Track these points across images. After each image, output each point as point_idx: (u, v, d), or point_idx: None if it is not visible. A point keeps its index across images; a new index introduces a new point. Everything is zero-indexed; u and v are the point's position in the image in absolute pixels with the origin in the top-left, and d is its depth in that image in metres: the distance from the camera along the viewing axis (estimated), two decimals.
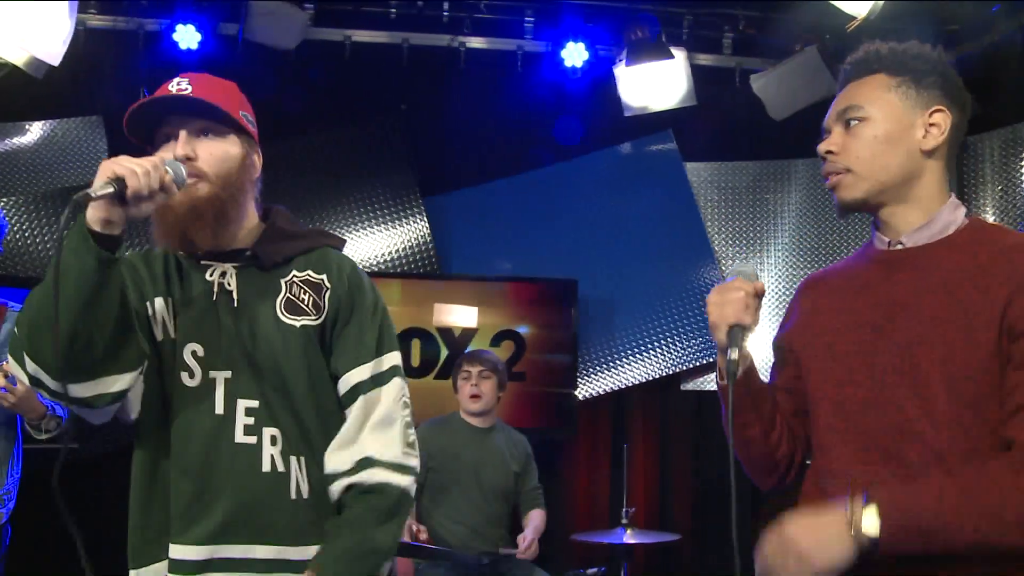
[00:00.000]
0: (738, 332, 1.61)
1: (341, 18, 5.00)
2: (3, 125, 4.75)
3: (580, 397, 5.02)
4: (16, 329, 1.69)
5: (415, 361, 4.85)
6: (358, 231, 5.11)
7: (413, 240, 5.12)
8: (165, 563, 1.76)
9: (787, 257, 5.21)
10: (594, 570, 3.53)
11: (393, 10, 4.94)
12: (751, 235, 5.28)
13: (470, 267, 5.15)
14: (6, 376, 2.83)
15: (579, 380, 5.03)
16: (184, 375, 1.80)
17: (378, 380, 1.86)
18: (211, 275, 1.85)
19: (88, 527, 1.64)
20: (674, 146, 5.32)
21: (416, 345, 4.86)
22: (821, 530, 1.46)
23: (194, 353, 1.80)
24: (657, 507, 5.12)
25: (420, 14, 5.02)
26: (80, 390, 1.67)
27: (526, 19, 5.13)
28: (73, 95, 4.88)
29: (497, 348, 4.90)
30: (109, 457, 4.43)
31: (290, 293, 1.87)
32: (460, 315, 4.93)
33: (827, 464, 1.63)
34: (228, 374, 1.80)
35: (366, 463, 1.80)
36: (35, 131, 4.88)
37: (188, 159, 1.79)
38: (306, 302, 1.87)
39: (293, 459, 1.81)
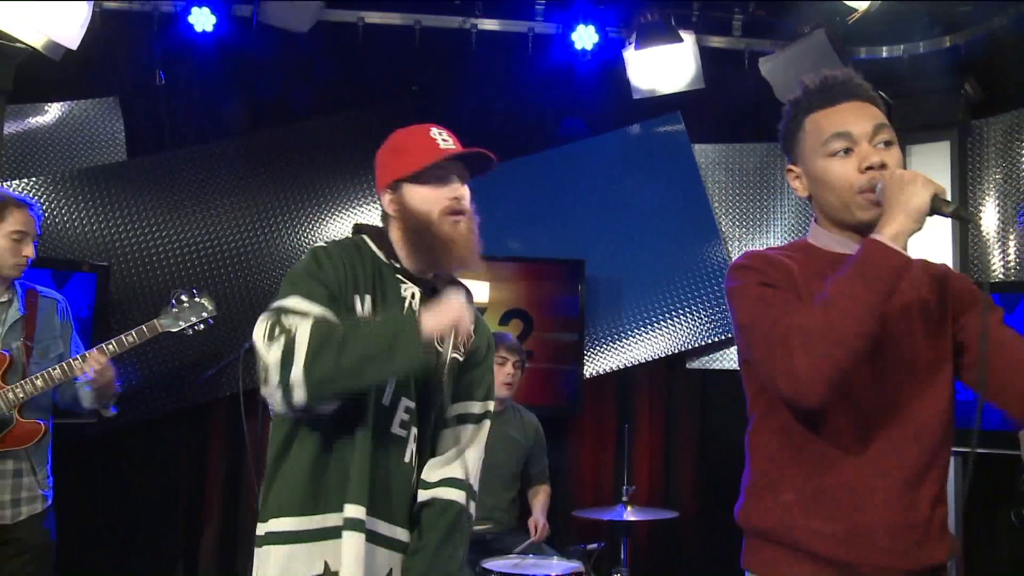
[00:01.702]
0: (937, 201, 1.65)
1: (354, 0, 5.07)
2: (22, 107, 4.83)
3: (587, 375, 5.11)
4: (305, 374, 1.90)
5: None
6: (370, 211, 5.19)
7: None
8: (339, 515, 2.03)
9: (792, 237, 5.26)
10: (594, 546, 3.62)
11: None
12: (757, 216, 5.34)
13: (482, 247, 5.21)
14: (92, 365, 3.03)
15: (586, 358, 5.11)
16: None
17: (485, 416, 2.29)
18: (405, 291, 2.18)
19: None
20: (682, 128, 5.37)
21: None
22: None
23: None
24: (661, 484, 5.21)
25: None
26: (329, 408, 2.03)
27: (537, 1, 5.17)
28: (90, 77, 4.96)
29: (506, 326, 4.99)
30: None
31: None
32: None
33: (832, 437, 1.77)
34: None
35: (458, 484, 2.19)
36: (53, 112, 4.96)
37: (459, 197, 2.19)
38: (459, 343, 2.22)
39: (419, 457, 2.18)
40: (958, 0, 4.81)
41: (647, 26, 4.86)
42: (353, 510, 2.02)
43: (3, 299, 3.17)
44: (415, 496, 2.18)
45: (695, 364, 5.26)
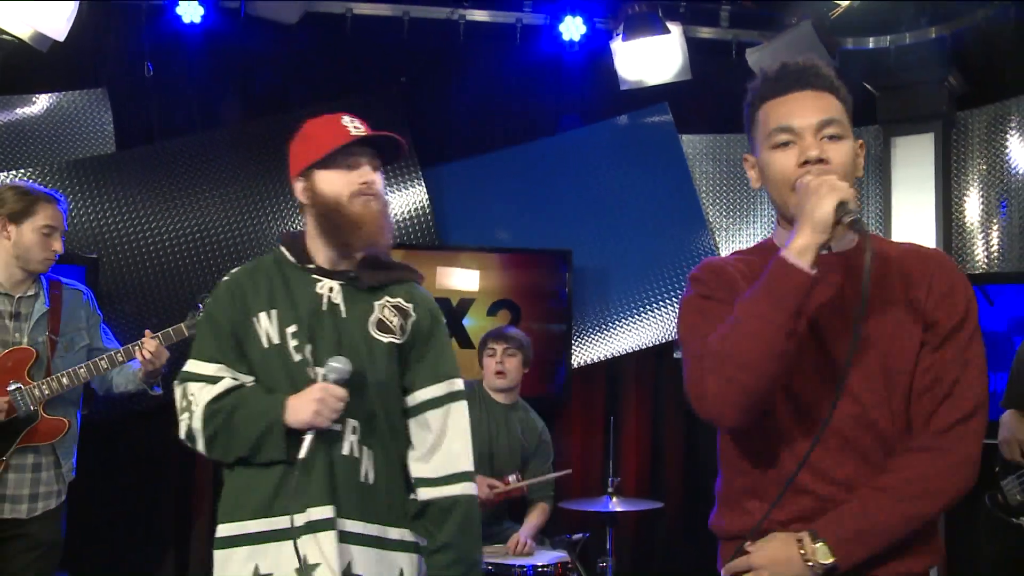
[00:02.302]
0: (843, 209, 1.58)
1: None
2: (10, 98, 4.83)
3: (574, 365, 5.14)
4: (208, 454, 2.18)
5: None
6: None
7: (412, 210, 5.21)
8: (267, 520, 2.11)
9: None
10: (579, 536, 3.65)
11: None
12: (744, 206, 5.37)
13: (468, 237, 5.25)
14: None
15: (573, 348, 5.14)
16: (308, 370, 2.15)
17: (453, 396, 2.27)
18: (320, 289, 2.21)
19: None
20: (670, 118, 5.39)
21: None
22: (787, 563, 1.67)
23: (310, 352, 2.16)
24: (648, 474, 5.24)
25: None
26: None
27: None
28: (78, 68, 4.95)
29: (494, 317, 5.02)
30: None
31: (381, 314, 2.23)
32: (458, 284, 5.04)
33: (788, 447, 1.73)
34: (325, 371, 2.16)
35: (459, 477, 2.22)
36: (41, 103, 4.95)
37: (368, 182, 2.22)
38: (394, 324, 2.22)
39: (366, 449, 2.17)
40: None
41: (634, 17, 4.89)
42: (318, 512, 2.09)
43: (30, 293, 3.16)
44: (372, 488, 2.17)
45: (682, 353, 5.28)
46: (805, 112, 1.71)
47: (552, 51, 5.21)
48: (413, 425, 2.25)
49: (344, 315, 2.19)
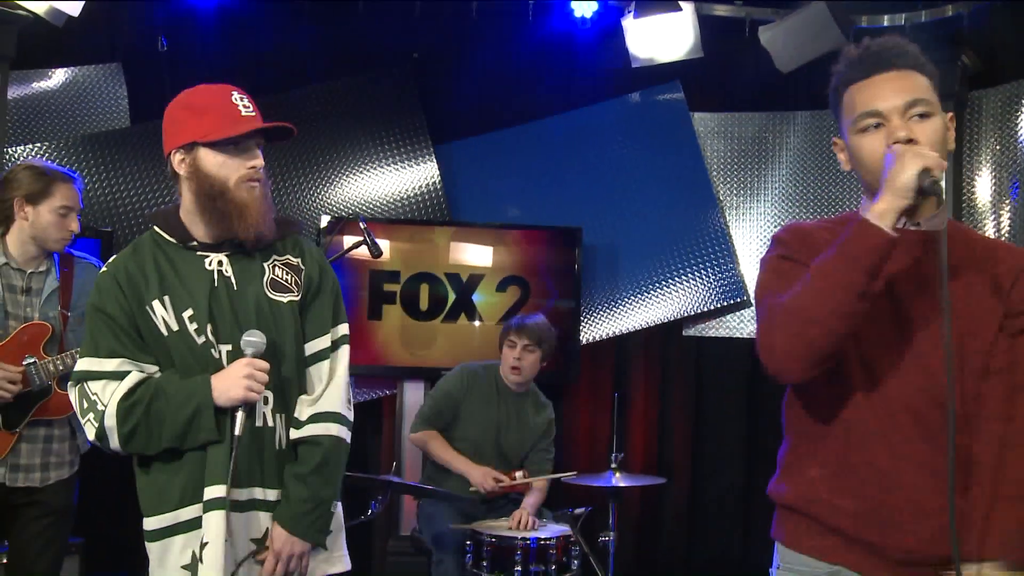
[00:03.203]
0: (926, 176, 1.60)
1: None
2: (26, 72, 4.87)
3: (583, 341, 5.17)
4: (123, 448, 2.14)
5: (423, 304, 5.01)
6: (370, 177, 5.24)
7: (423, 186, 5.25)
8: (199, 506, 2.11)
9: (789, 207, 5.29)
10: (581, 510, 3.68)
11: None
12: (754, 184, 5.36)
13: (480, 214, 5.28)
14: None
15: (582, 325, 5.17)
16: (212, 351, 2.15)
17: (335, 345, 2.28)
18: (210, 265, 2.20)
19: None
20: (681, 96, 5.38)
21: (424, 289, 5.02)
22: None
23: (211, 331, 2.15)
24: (655, 450, 5.28)
25: None
26: None
27: None
28: (93, 43, 5.00)
29: (503, 293, 5.05)
30: None
31: (273, 274, 2.23)
32: (467, 260, 5.08)
33: (854, 416, 1.75)
34: (229, 347, 2.16)
35: (324, 416, 2.22)
36: (57, 78, 5.00)
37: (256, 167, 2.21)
38: (289, 281, 2.24)
39: (278, 416, 2.20)
40: None
41: None
42: (213, 491, 2.09)
43: (41, 268, 3.18)
44: (283, 453, 2.21)
45: (691, 331, 5.31)
46: (890, 94, 1.72)
47: (564, 28, 5.21)
48: (309, 373, 2.27)
49: (237, 287, 2.19)
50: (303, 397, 2.24)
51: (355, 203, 5.20)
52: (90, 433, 2.13)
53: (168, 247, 2.21)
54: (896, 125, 1.70)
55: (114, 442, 2.11)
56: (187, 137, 2.16)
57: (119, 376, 2.12)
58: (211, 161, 2.14)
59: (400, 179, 5.25)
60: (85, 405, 2.13)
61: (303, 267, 2.27)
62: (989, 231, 4.79)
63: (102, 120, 4.99)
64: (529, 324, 4.06)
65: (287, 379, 2.21)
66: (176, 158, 2.18)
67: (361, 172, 5.23)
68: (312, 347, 2.25)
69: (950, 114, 1.78)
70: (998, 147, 4.80)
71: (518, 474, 3.97)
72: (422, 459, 4.30)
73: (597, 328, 5.24)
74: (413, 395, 4.97)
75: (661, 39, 5.00)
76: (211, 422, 2.07)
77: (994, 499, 1.70)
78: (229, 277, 2.19)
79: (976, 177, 4.89)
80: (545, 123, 5.42)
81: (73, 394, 2.17)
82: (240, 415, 2.09)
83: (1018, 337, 1.75)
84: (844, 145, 1.82)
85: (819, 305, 1.63)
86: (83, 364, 2.16)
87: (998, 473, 1.71)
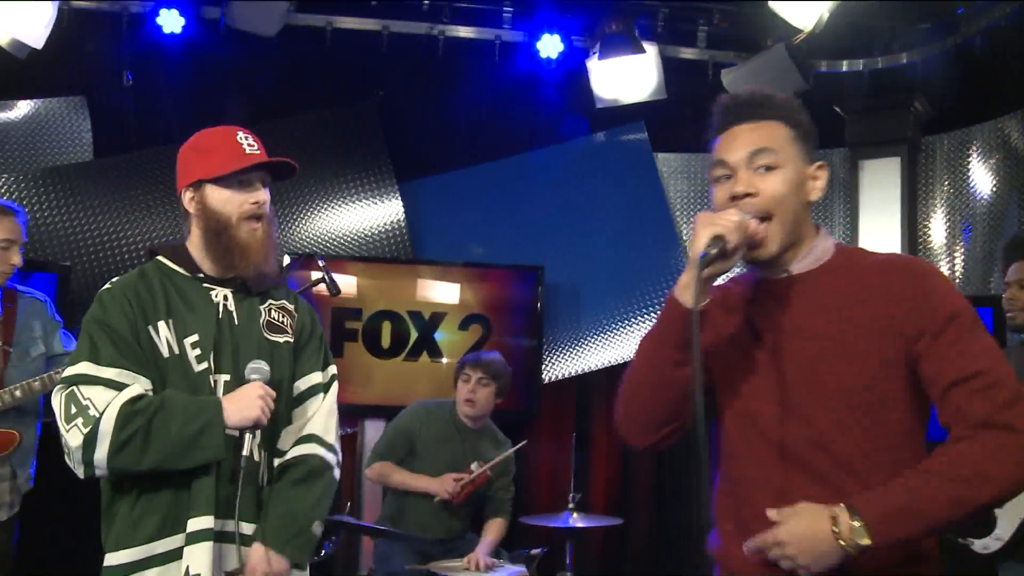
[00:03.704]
0: (718, 243, 1.61)
1: (324, 4, 5.12)
2: None
3: (545, 380, 5.17)
4: (109, 460, 2.04)
5: (385, 342, 5.00)
6: (334, 214, 5.24)
7: (387, 224, 5.25)
8: (179, 537, 2.09)
9: None
10: (537, 551, 3.66)
11: None
12: None
13: (445, 252, 5.28)
14: None
15: (544, 363, 5.17)
16: (210, 379, 2.18)
17: (328, 384, 2.38)
18: (216, 297, 2.26)
19: None
20: (645, 136, 5.44)
21: (387, 327, 5.00)
22: (814, 541, 1.58)
23: (211, 359, 2.19)
24: (619, 490, 5.26)
25: (401, 2, 5.14)
26: None
27: (504, 9, 5.25)
28: (57, 75, 4.98)
29: (465, 331, 5.05)
30: None
31: (269, 316, 2.32)
32: (430, 298, 5.08)
33: (744, 471, 1.77)
34: (227, 377, 2.20)
35: (308, 438, 2.28)
36: (20, 109, 4.98)
37: (259, 202, 2.25)
38: (284, 323, 2.33)
39: (264, 452, 2.23)
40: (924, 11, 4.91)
41: (610, 37, 4.95)
42: (200, 522, 2.08)
43: None
44: (264, 489, 2.23)
45: None
46: (737, 147, 1.72)
47: (530, 68, 5.27)
48: (297, 411, 2.32)
49: (238, 321, 2.25)
50: (289, 428, 2.30)
51: (318, 240, 5.19)
52: (74, 439, 2.01)
53: (175, 276, 2.26)
54: (739, 178, 1.71)
55: (102, 451, 2.00)
56: (194, 176, 2.25)
57: (117, 386, 2.07)
58: (216, 197, 2.22)
59: (364, 216, 5.25)
60: (73, 410, 2.03)
61: (296, 313, 2.37)
62: (943, 271, 4.87)
63: (65, 153, 4.96)
64: (484, 359, 4.07)
65: (279, 416, 2.25)
66: (186, 196, 2.26)
67: (325, 209, 5.23)
68: (306, 382, 2.34)
69: (819, 163, 1.77)
70: (950, 190, 4.89)
71: (473, 465, 3.93)
72: (382, 496, 4.27)
73: (559, 366, 5.25)
74: (374, 433, 4.92)
75: (625, 80, 5.08)
76: (219, 439, 2.07)
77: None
78: (232, 312, 2.26)
79: (929, 220, 4.97)
80: (510, 161, 5.46)
81: (58, 398, 2.08)
82: (248, 437, 2.11)
83: (940, 351, 1.64)
84: None
85: (642, 377, 1.75)
86: (79, 368, 2.09)
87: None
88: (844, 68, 5.15)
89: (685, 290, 1.65)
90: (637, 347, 1.77)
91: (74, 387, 2.07)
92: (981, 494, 1.57)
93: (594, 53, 5.07)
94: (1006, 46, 4.45)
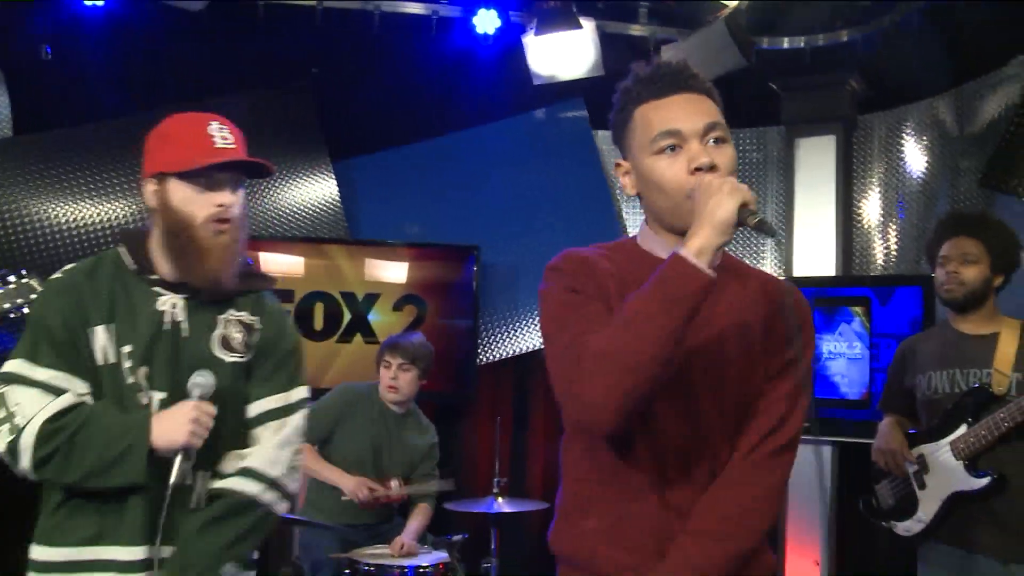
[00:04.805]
0: (745, 212, 1.51)
1: None
2: None
3: (481, 362, 5.11)
4: (32, 472, 1.95)
5: (318, 324, 4.90)
6: (268, 194, 5.13)
7: (322, 203, 5.15)
8: (107, 550, 1.96)
9: None
10: (458, 537, 3.60)
11: None
12: None
13: (381, 231, 5.19)
14: None
15: (480, 345, 5.11)
16: (140, 395, 2.00)
17: (287, 410, 2.14)
18: (162, 304, 2.05)
19: None
20: (584, 114, 5.38)
21: (319, 308, 4.91)
22: None
23: (145, 375, 2.01)
24: (556, 474, 5.19)
25: None
26: None
27: None
28: None
29: (399, 312, 4.96)
30: None
31: (225, 330, 2.09)
32: (363, 279, 4.98)
33: (633, 465, 1.66)
34: (163, 395, 2.01)
35: (243, 472, 2.05)
36: None
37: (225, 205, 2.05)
38: (239, 341, 2.10)
39: (200, 473, 2.04)
40: None
41: (547, 12, 4.85)
42: (134, 551, 1.96)
43: None
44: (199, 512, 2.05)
45: None
46: (690, 116, 1.63)
47: (467, 44, 5.16)
48: (250, 435, 2.12)
49: (186, 333, 2.04)
50: (235, 451, 2.08)
51: (251, 221, 5.06)
52: (1, 444, 1.94)
53: (127, 275, 2.06)
54: (696, 150, 1.61)
55: (25, 463, 1.92)
56: (156, 167, 2.05)
57: (52, 390, 1.96)
58: (178, 195, 2.02)
59: (298, 196, 5.14)
60: (3, 413, 1.95)
61: (259, 328, 2.13)
62: (877, 252, 4.85)
63: None
64: (403, 343, 3.95)
65: (221, 435, 2.04)
66: (148, 188, 2.07)
67: (258, 189, 5.11)
68: (258, 407, 2.11)
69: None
70: (885, 169, 4.87)
71: (393, 483, 3.86)
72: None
73: (496, 348, 5.18)
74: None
75: (562, 57, 4.99)
76: (141, 464, 1.91)
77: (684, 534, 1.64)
78: (180, 322, 2.05)
79: (864, 199, 4.95)
80: (447, 140, 5.38)
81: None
82: (178, 460, 1.92)
83: (778, 382, 1.68)
84: (629, 168, 1.72)
85: (639, 352, 1.48)
86: (15, 366, 1.98)
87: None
88: (785, 45, 5.09)
89: (703, 254, 1.48)
90: (627, 320, 1.51)
91: (7, 388, 1.98)
92: (750, 543, 1.65)
93: (531, 29, 4.98)
94: (942, 26, 4.41)
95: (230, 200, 2.05)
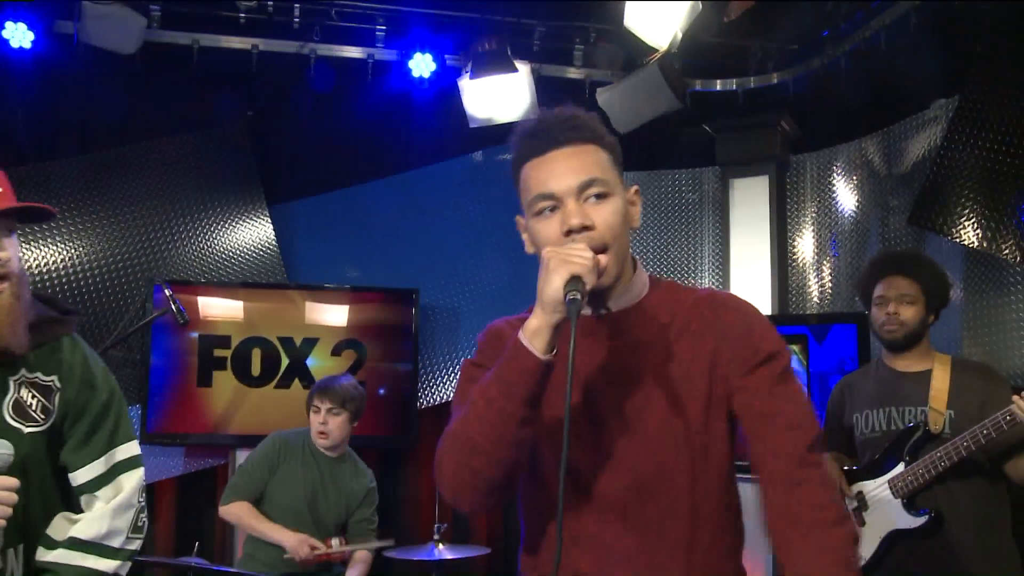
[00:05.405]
0: (577, 284, 1.45)
1: (189, 21, 4.92)
2: None
3: (421, 405, 5.05)
4: None
5: (255, 370, 4.81)
6: (203, 238, 5.04)
7: (259, 248, 5.08)
8: None
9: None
10: None
11: (243, 15, 4.88)
12: None
13: (319, 275, 5.13)
14: None
15: (420, 389, 5.06)
16: None
17: (115, 471, 1.97)
18: None
19: None
20: None
21: (257, 354, 4.82)
22: None
23: None
24: (499, 517, 5.13)
25: (270, 20, 4.98)
26: None
27: (377, 28, 5.13)
28: None
29: (338, 357, 4.89)
30: None
31: (18, 395, 1.88)
32: (301, 323, 4.91)
33: (567, 523, 1.59)
34: None
35: (70, 543, 1.89)
36: None
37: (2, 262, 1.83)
38: (34, 407, 1.88)
39: (11, 551, 1.86)
40: (787, 39, 4.99)
41: (482, 55, 4.88)
42: None
43: None
44: None
45: None
46: (564, 175, 1.56)
47: (403, 87, 5.16)
48: (82, 500, 1.97)
49: None
50: (66, 514, 1.93)
51: (186, 266, 4.98)
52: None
53: None
54: (571, 210, 1.55)
55: None
56: None
57: None
58: None
59: (234, 240, 5.07)
60: None
61: (58, 387, 1.92)
62: (812, 286, 4.93)
63: None
64: (332, 387, 3.88)
65: (29, 507, 1.88)
66: None
67: (192, 233, 5.03)
68: (83, 475, 1.95)
69: (634, 187, 1.67)
70: (817, 208, 4.97)
71: (334, 542, 3.77)
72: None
73: (436, 391, 5.13)
74: None
75: (498, 99, 5.01)
76: None
77: None
78: None
79: (798, 237, 5.04)
80: (384, 183, 5.36)
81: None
82: None
83: (756, 387, 1.59)
84: (525, 226, 1.66)
85: (481, 435, 1.48)
86: None
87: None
88: (718, 87, 5.18)
89: (536, 336, 1.46)
90: (473, 401, 1.51)
91: None
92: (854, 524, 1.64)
93: (466, 72, 5.00)
94: (868, 69, 4.54)
95: (3, 256, 1.83)
